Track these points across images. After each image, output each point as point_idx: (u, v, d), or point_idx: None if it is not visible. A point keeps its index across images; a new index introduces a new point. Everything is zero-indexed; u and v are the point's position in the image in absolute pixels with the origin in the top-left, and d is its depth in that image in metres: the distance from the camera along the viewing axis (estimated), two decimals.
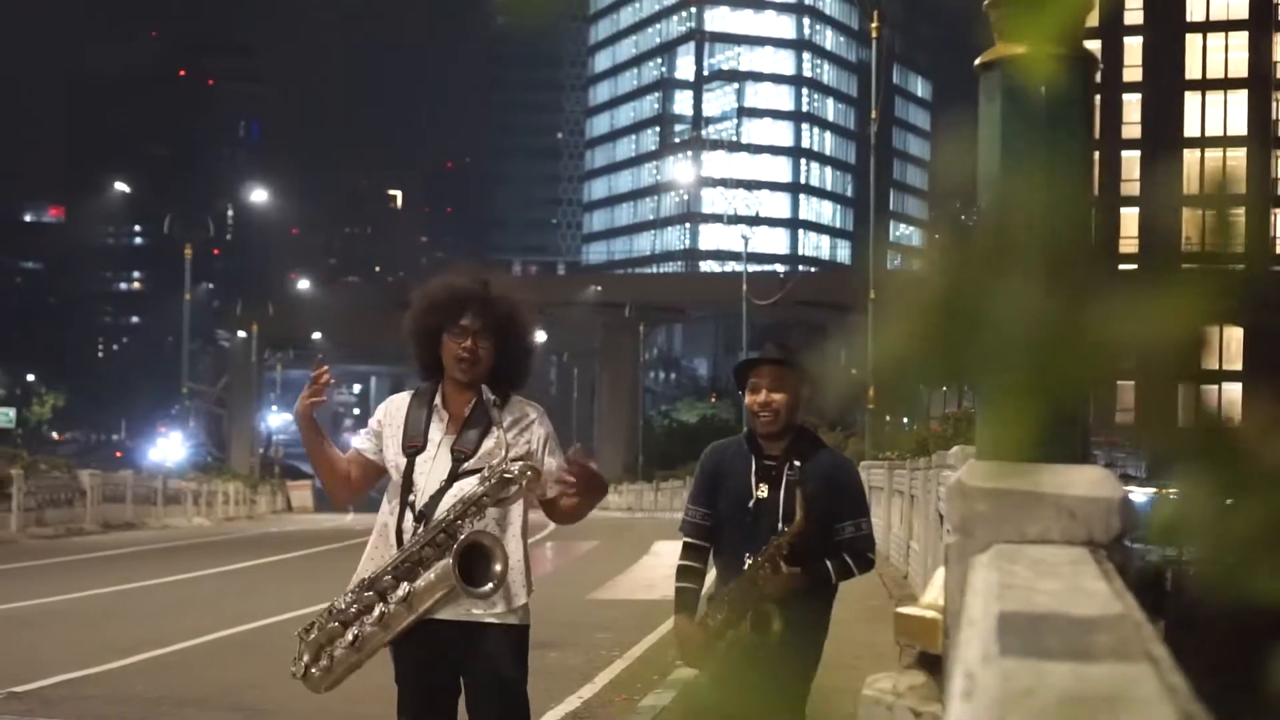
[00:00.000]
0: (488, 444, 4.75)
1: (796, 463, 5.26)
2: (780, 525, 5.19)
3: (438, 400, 4.90)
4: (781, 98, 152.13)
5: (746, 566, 5.19)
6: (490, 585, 4.59)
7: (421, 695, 4.84)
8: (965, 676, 1.34)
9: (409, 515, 4.76)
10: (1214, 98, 76.35)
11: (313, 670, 4.93)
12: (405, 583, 4.65)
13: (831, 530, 5.25)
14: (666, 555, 23.25)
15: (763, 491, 5.26)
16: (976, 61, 3.01)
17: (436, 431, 4.85)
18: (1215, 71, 75.82)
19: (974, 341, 1.02)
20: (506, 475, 4.65)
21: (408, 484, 4.81)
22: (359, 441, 5.03)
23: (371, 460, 4.98)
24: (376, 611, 4.68)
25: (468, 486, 4.71)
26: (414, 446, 4.84)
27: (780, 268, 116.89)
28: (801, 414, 5.40)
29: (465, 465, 4.76)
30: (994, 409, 1.07)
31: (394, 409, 5.00)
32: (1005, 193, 2.90)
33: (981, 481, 2.54)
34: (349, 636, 4.78)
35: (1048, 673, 1.26)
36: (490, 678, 4.74)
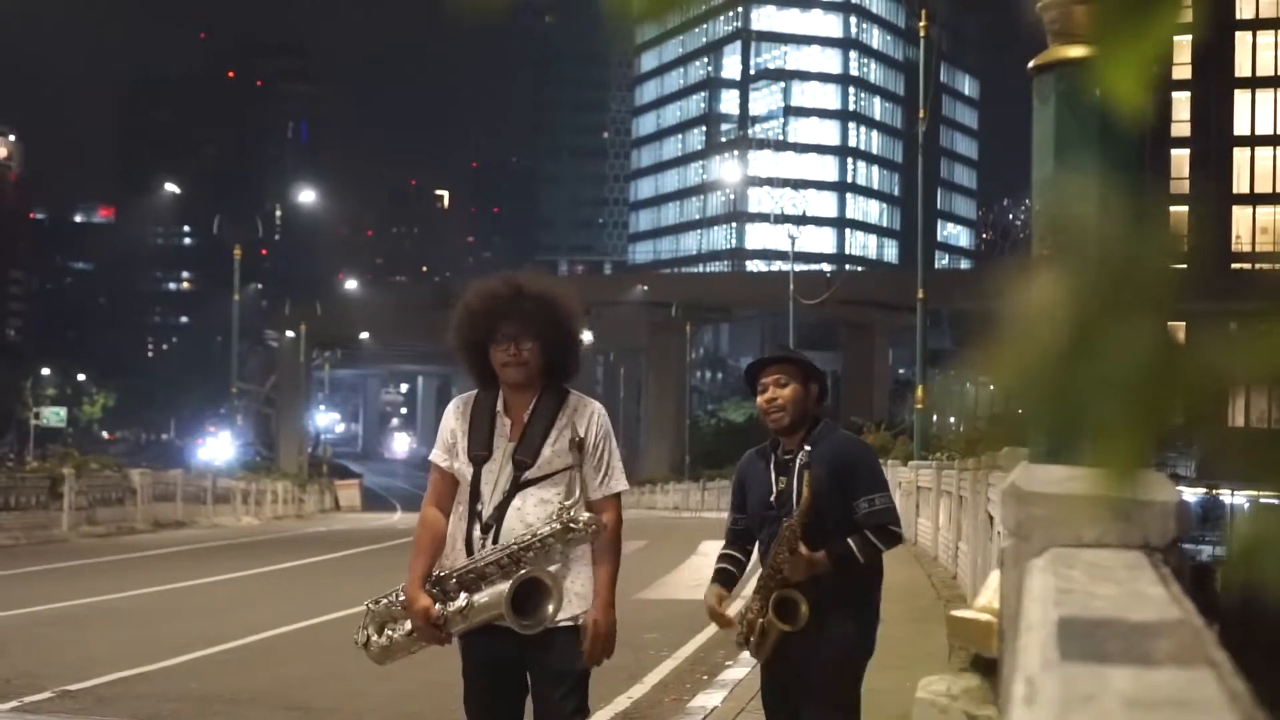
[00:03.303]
0: (546, 452, 4.83)
1: (807, 448, 5.35)
2: (776, 513, 5.32)
3: (499, 406, 4.95)
4: (828, 96, 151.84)
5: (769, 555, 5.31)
6: (539, 622, 4.69)
7: (485, 691, 4.94)
8: (1026, 682, 1.35)
9: (476, 525, 4.85)
10: (1264, 96, 75.80)
11: (373, 643, 5.05)
12: (465, 593, 4.76)
13: (850, 509, 5.28)
14: (714, 555, 23.11)
15: (781, 484, 5.37)
16: (1030, 64, 3.01)
17: (500, 438, 4.91)
18: (1265, 69, 75.28)
19: (1084, 378, 1.01)
20: (573, 526, 4.73)
21: (475, 493, 4.89)
22: (439, 458, 5.04)
23: (454, 473, 5.03)
24: (436, 610, 4.80)
25: (531, 500, 4.81)
26: (480, 455, 4.90)
27: (827, 267, 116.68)
28: (814, 408, 5.46)
29: (527, 474, 4.84)
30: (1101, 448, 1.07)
31: (460, 415, 5.04)
32: (1061, 196, 2.90)
33: (1037, 486, 2.55)
34: (408, 625, 4.94)
35: (1109, 678, 1.26)
36: (554, 676, 4.83)
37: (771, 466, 5.45)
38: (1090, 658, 1.36)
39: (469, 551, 4.82)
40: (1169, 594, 1.85)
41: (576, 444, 4.82)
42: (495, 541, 4.80)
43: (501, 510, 4.80)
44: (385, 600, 5.05)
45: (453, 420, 5.04)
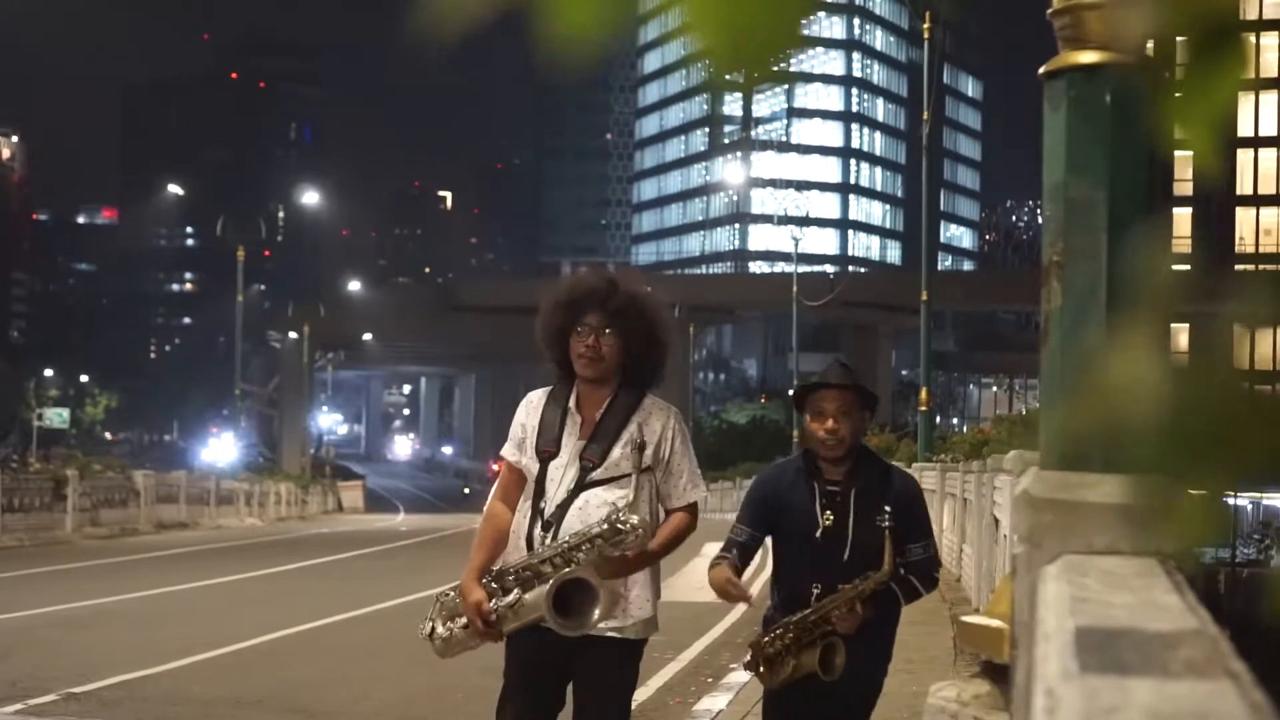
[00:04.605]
0: (614, 454, 4.74)
1: (887, 509, 5.06)
2: (846, 554, 5.06)
3: (572, 403, 4.86)
4: (831, 98, 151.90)
5: (816, 598, 5.07)
6: (582, 624, 4.59)
7: (525, 694, 4.86)
8: (1046, 694, 1.35)
9: (539, 522, 4.77)
10: (1267, 97, 75.75)
11: (436, 636, 4.95)
12: (519, 590, 4.67)
13: (899, 552, 5.09)
14: None
15: (828, 519, 5.11)
16: (1041, 70, 3.00)
17: (569, 436, 4.82)
18: (1268, 71, 75.22)
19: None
20: (620, 527, 4.59)
21: (539, 490, 4.81)
22: (509, 453, 4.95)
23: (523, 469, 4.95)
24: (491, 604, 4.71)
25: (595, 501, 4.71)
26: (547, 452, 4.82)
27: (830, 268, 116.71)
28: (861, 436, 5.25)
29: (592, 475, 4.75)
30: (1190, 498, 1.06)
31: (532, 410, 4.96)
32: (1071, 202, 2.90)
33: (1049, 492, 2.55)
34: (464, 620, 4.84)
35: (1131, 690, 1.26)
36: (596, 688, 4.78)
37: (817, 497, 5.17)
38: (1110, 669, 1.36)
39: (530, 549, 4.74)
40: (1184, 602, 1.85)
41: (638, 446, 4.71)
42: (555, 540, 4.71)
43: (563, 509, 4.72)
44: (452, 593, 4.98)
45: (524, 415, 4.95)
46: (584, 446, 4.78)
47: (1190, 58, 1.02)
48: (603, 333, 4.76)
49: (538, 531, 4.76)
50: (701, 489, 4.92)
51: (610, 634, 4.72)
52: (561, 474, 4.79)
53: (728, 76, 0.96)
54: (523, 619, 4.67)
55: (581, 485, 4.75)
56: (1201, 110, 1.00)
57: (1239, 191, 78.54)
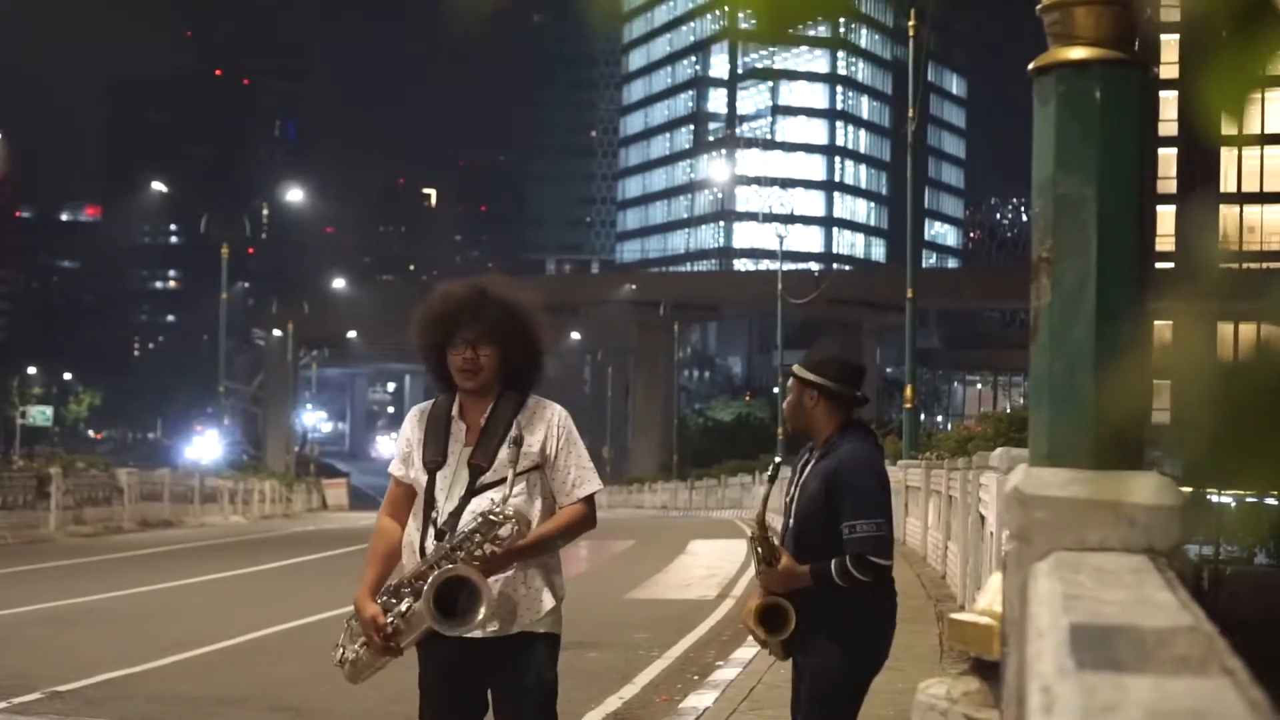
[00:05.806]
0: (502, 455, 4.71)
1: (811, 460, 5.29)
2: (791, 520, 5.27)
3: (455, 411, 4.86)
4: (816, 95, 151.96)
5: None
6: (468, 623, 4.54)
7: (442, 704, 4.84)
8: (1042, 691, 1.34)
9: (431, 530, 4.75)
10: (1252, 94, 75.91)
11: (345, 661, 4.94)
12: (410, 599, 4.64)
13: (838, 529, 5.12)
14: (703, 555, 23.19)
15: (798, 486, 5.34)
16: (1030, 66, 3.00)
17: (455, 444, 4.81)
18: None
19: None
20: (493, 517, 4.59)
21: (430, 500, 4.79)
22: (397, 470, 4.95)
23: (411, 484, 4.94)
24: (388, 618, 4.69)
25: (484, 503, 4.68)
26: (435, 462, 4.81)
27: (815, 266, 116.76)
28: (835, 412, 5.26)
29: (482, 479, 4.74)
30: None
31: (415, 424, 4.96)
32: (1060, 198, 2.89)
33: (1040, 489, 2.54)
34: (364, 639, 4.83)
35: (1128, 687, 1.26)
36: (514, 688, 4.73)
37: (801, 464, 5.38)
38: (1106, 666, 1.35)
39: (422, 558, 4.71)
40: (1177, 599, 1.85)
41: (514, 440, 4.66)
42: None
43: (456, 516, 4.69)
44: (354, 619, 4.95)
45: (409, 430, 4.96)
46: (471, 452, 4.77)
47: (1230, 28, 1.01)
48: (479, 345, 4.76)
49: (430, 541, 4.73)
50: (593, 483, 4.87)
51: (516, 630, 4.68)
52: (450, 482, 4.77)
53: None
54: (415, 628, 4.63)
55: (472, 490, 4.73)
56: (1237, 80, 1.00)
57: (1222, 189, 78.76)
